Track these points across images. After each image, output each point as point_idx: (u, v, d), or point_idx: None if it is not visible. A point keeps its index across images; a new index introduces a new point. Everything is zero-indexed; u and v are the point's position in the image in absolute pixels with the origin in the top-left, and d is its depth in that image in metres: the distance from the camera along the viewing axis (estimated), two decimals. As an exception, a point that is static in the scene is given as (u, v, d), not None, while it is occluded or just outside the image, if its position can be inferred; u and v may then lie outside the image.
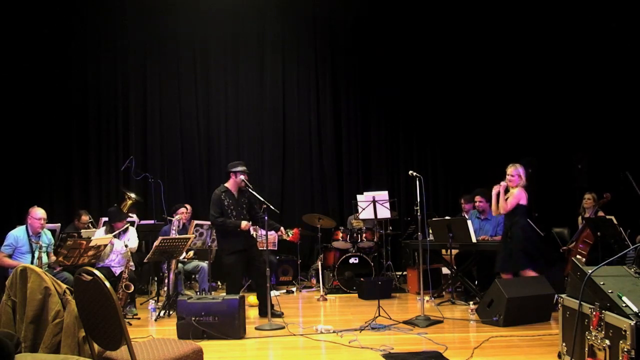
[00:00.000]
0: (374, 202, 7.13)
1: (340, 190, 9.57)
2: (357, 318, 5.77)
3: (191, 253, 7.13)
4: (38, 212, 5.99)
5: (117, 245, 6.23)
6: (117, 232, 6.21)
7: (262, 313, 5.91)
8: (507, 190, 5.78)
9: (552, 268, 5.76)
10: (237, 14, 9.35)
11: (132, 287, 5.75)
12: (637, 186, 6.04)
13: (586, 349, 3.38)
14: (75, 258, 5.68)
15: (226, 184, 6.00)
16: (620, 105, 8.59)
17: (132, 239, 6.38)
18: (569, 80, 9.10)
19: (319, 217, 7.99)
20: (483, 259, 6.63)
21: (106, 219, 7.09)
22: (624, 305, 3.11)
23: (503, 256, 5.77)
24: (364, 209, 7.24)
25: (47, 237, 6.15)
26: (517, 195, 5.68)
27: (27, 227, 5.99)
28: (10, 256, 5.85)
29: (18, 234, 5.94)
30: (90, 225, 7.47)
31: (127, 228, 6.36)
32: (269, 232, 5.74)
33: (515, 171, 5.73)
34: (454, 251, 7.04)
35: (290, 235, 6.51)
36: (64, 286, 3.49)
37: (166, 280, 6.34)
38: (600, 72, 8.75)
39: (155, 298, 6.83)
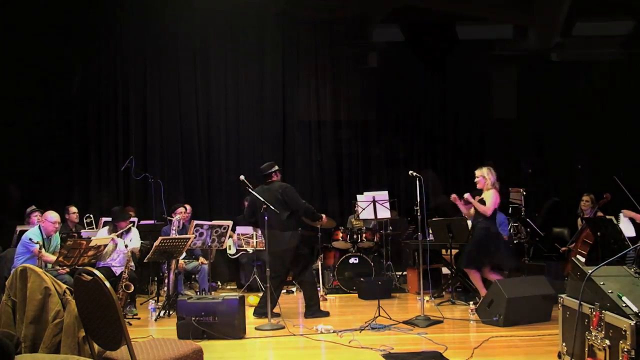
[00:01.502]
0: (374, 202, 7.13)
1: (340, 190, 9.56)
2: (357, 318, 5.77)
3: (202, 259, 7.16)
4: (53, 216, 6.02)
5: (120, 245, 6.24)
6: (120, 231, 6.21)
7: (260, 314, 5.89)
8: (480, 192, 6.01)
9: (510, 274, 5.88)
10: (237, 13, 9.33)
11: (132, 287, 5.74)
12: (628, 189, 6.06)
13: (586, 349, 3.38)
14: (75, 258, 5.67)
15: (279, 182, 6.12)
16: (619, 105, 8.60)
17: (134, 239, 6.38)
18: (568, 79, 9.10)
19: (319, 217, 7.98)
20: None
21: (107, 219, 7.10)
22: (624, 305, 3.12)
23: (465, 252, 6.11)
24: (364, 209, 7.24)
25: (55, 241, 6.16)
26: (494, 198, 5.86)
27: (39, 228, 5.99)
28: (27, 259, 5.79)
29: (33, 235, 5.90)
30: (80, 218, 7.50)
31: (129, 228, 6.36)
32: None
33: (480, 173, 5.99)
34: (454, 251, 7.04)
35: None
36: (64, 286, 3.49)
37: (166, 280, 6.34)
38: (600, 71, 8.76)
39: (155, 298, 6.82)
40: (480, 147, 9.51)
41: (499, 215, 6.99)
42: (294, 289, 7.85)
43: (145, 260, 6.43)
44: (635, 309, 3.06)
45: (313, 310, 5.98)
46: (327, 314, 6.05)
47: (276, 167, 6.16)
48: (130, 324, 5.64)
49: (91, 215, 7.96)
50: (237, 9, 9.30)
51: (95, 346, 3.00)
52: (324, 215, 6.44)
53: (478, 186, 6.02)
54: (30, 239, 5.82)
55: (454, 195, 6.12)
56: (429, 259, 6.02)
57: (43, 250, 5.82)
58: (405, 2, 9.29)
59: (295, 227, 6.07)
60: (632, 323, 2.99)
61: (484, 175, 5.95)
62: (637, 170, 7.40)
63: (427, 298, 6.60)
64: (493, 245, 5.87)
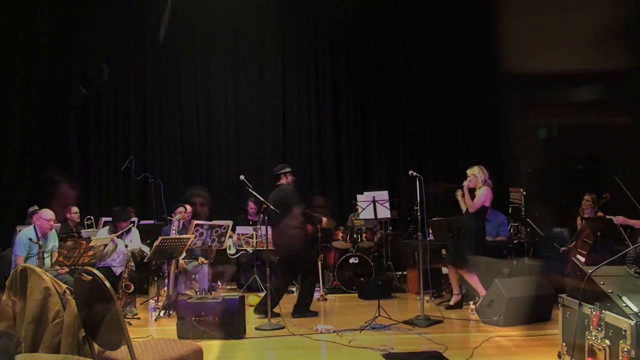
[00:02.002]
0: (374, 202, 7.13)
1: (340, 190, 9.57)
2: (357, 318, 5.76)
3: (202, 259, 7.14)
4: (47, 214, 5.99)
5: (120, 245, 6.24)
6: (120, 232, 6.21)
7: (260, 311, 5.88)
8: (473, 190, 6.06)
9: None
10: (237, 14, 9.35)
11: (132, 287, 5.75)
12: (627, 189, 6.04)
13: (586, 349, 3.38)
14: (75, 258, 5.67)
15: (287, 183, 6.13)
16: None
17: (134, 239, 6.39)
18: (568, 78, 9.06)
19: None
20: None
21: (107, 219, 7.09)
22: (624, 305, 3.12)
23: (451, 250, 6.19)
24: (364, 209, 7.24)
25: (53, 240, 6.15)
26: (484, 196, 5.90)
27: (35, 228, 5.98)
28: (26, 259, 5.76)
29: (29, 235, 5.89)
30: (81, 218, 7.49)
31: (129, 228, 6.36)
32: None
33: (471, 172, 6.06)
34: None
35: None
36: (64, 286, 3.48)
37: (166, 280, 6.34)
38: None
39: (155, 298, 6.82)
40: (481, 147, 9.44)
41: (499, 215, 7.00)
42: (294, 289, 7.85)
43: (145, 261, 6.42)
44: (635, 309, 3.07)
45: (301, 309, 5.98)
46: (315, 314, 6.06)
47: (286, 169, 6.20)
48: (130, 324, 5.63)
49: (92, 217, 7.96)
50: (237, 9, 9.31)
51: (95, 346, 3.00)
52: (324, 219, 6.43)
53: (470, 185, 6.05)
54: (30, 239, 5.82)
55: (460, 191, 6.12)
56: (429, 259, 6.03)
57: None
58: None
59: (299, 229, 6.07)
60: (632, 323, 2.99)
61: (475, 174, 6.01)
62: None
63: (427, 298, 6.60)
64: (472, 247, 5.92)
